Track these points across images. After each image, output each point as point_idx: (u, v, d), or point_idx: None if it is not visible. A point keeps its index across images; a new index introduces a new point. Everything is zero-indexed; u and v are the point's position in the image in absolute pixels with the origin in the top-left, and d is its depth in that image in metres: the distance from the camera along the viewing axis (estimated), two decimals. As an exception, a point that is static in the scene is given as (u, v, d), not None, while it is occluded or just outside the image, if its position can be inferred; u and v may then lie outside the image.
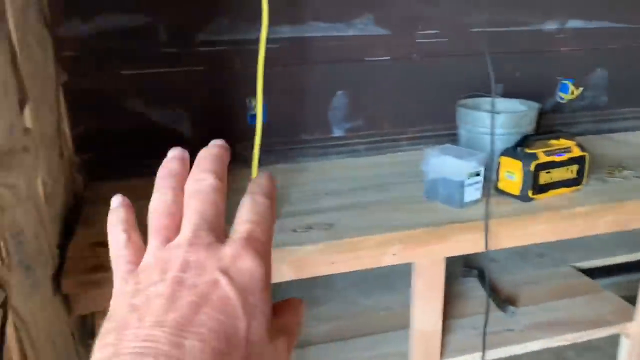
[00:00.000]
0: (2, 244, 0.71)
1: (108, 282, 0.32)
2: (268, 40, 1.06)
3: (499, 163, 1.32)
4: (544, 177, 1.29)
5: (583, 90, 1.82)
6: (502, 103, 1.53)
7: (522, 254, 1.77)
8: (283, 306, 0.34)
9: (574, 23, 1.78)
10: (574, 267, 1.74)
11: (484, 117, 1.40)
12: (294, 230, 1.15)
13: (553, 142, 1.35)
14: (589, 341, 1.46)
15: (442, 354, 1.30)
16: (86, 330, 1.07)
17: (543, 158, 1.28)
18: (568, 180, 1.33)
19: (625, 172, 1.47)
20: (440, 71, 1.68)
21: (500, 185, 1.32)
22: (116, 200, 0.36)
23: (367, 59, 1.62)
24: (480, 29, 1.64)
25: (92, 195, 1.31)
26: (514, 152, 1.30)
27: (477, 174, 1.25)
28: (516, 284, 1.62)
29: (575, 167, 1.33)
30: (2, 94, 0.79)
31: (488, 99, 1.48)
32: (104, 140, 1.44)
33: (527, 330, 1.41)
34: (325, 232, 1.14)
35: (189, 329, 0.26)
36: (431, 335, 1.27)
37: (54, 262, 0.97)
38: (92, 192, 1.33)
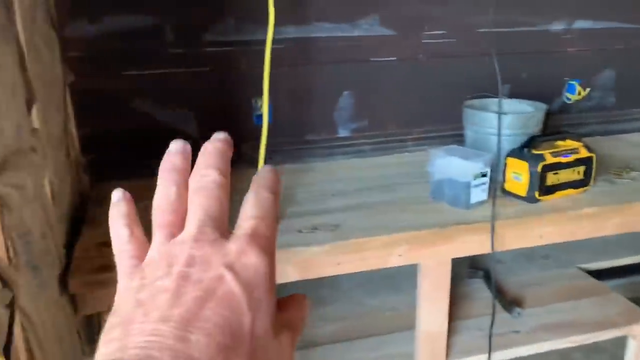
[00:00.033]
0: (9, 244, 0.71)
1: (114, 282, 0.32)
2: (274, 41, 1.07)
3: (506, 164, 1.31)
4: (551, 179, 1.28)
5: (590, 90, 1.81)
6: (509, 104, 1.52)
7: (528, 255, 1.76)
8: (287, 302, 0.34)
9: (581, 23, 1.77)
10: (581, 268, 1.73)
11: (491, 118, 1.40)
12: (300, 231, 1.15)
13: (560, 143, 1.35)
14: (596, 343, 1.45)
15: (447, 355, 1.30)
16: (92, 329, 1.07)
17: (550, 159, 1.27)
18: (575, 181, 1.32)
19: (633, 174, 1.46)
20: (446, 72, 1.68)
21: (507, 187, 1.31)
22: (117, 195, 0.36)
23: (372, 59, 1.62)
24: (486, 30, 1.63)
25: (98, 195, 1.31)
26: (520, 153, 1.29)
27: (484, 175, 1.24)
28: (522, 285, 1.61)
29: (582, 168, 1.32)
30: (10, 94, 0.80)
31: (495, 100, 1.47)
32: (110, 141, 1.44)
33: (533, 331, 1.40)
34: (331, 233, 1.14)
35: (194, 324, 0.26)
36: (437, 337, 1.27)
37: (61, 262, 0.97)
38: (98, 192, 1.33)
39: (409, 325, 1.32)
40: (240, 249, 0.30)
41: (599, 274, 1.72)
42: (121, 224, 0.34)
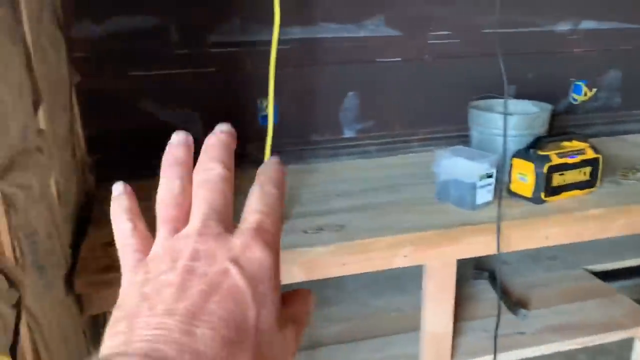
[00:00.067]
0: (16, 244, 0.71)
1: (120, 282, 0.32)
2: (279, 42, 1.07)
3: (511, 165, 1.31)
4: (557, 179, 1.28)
5: (596, 91, 1.80)
6: (515, 104, 1.52)
7: (534, 256, 1.75)
8: (292, 296, 0.34)
9: (587, 24, 1.76)
10: (587, 269, 1.72)
11: (496, 119, 1.39)
12: (305, 232, 1.15)
13: (566, 143, 1.34)
14: (602, 345, 1.44)
15: (452, 356, 1.30)
16: (98, 329, 1.08)
17: (556, 160, 1.27)
18: (581, 182, 1.32)
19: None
20: (451, 72, 1.67)
21: (513, 188, 1.31)
22: (118, 188, 0.35)
23: (378, 60, 1.62)
24: (492, 30, 1.63)
25: (104, 195, 1.31)
26: (526, 153, 1.29)
27: (489, 176, 1.24)
28: (528, 286, 1.60)
29: (588, 169, 1.32)
30: (17, 95, 0.80)
31: (500, 101, 1.47)
32: (116, 141, 1.45)
33: (538, 333, 1.40)
34: (336, 234, 1.14)
35: (199, 318, 0.26)
36: (442, 338, 1.27)
37: (67, 262, 0.98)
38: (104, 192, 1.34)
39: (413, 326, 1.32)
40: (245, 243, 0.30)
41: (605, 276, 1.71)
42: (124, 218, 0.34)
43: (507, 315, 1.43)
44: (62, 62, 1.22)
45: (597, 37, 1.78)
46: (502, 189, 1.26)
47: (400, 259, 1.14)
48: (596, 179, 1.33)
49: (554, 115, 1.46)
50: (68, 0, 1.30)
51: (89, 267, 1.00)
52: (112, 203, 0.35)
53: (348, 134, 1.65)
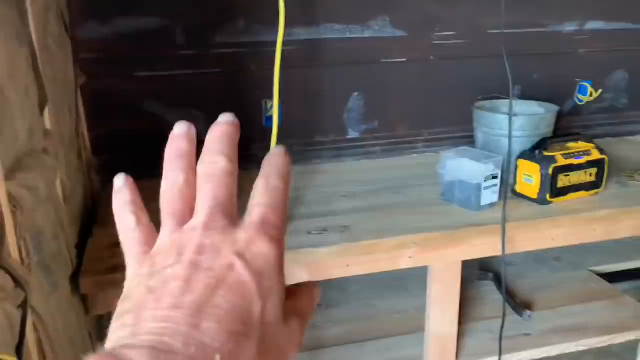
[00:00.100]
0: (22, 244, 0.72)
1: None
2: (284, 42, 1.07)
3: (517, 166, 1.30)
4: (562, 181, 1.27)
5: (602, 92, 1.80)
6: (520, 105, 1.52)
7: (539, 257, 1.75)
8: (297, 289, 0.34)
9: (593, 24, 1.76)
10: (592, 271, 1.71)
11: (501, 120, 1.39)
12: (309, 233, 1.15)
13: (571, 144, 1.34)
14: (608, 347, 1.44)
15: (457, 357, 1.29)
16: (103, 331, 1.08)
17: (561, 161, 1.27)
18: (587, 183, 1.31)
19: (646, 176, 1.45)
20: (457, 73, 1.67)
21: (518, 189, 1.31)
22: (119, 180, 0.35)
23: (383, 60, 1.62)
24: (497, 31, 1.63)
25: (109, 196, 1.32)
26: (531, 155, 1.28)
27: (494, 177, 1.24)
28: (533, 287, 1.60)
29: (594, 171, 1.31)
30: (23, 96, 0.80)
31: (505, 101, 1.47)
32: (121, 141, 1.45)
33: (544, 335, 1.39)
34: (341, 235, 1.14)
35: (205, 311, 0.26)
36: (447, 339, 1.26)
37: (72, 262, 0.98)
38: (110, 193, 1.34)
39: (418, 327, 1.32)
40: (250, 237, 0.30)
41: (611, 277, 1.70)
42: (127, 211, 0.34)
43: (512, 317, 1.42)
44: (68, 62, 1.22)
45: (603, 37, 1.77)
46: (507, 190, 1.26)
47: (405, 260, 1.13)
48: (602, 180, 1.33)
49: (559, 116, 1.46)
50: (74, 2, 1.31)
51: (94, 268, 1.00)
52: (114, 196, 0.35)
53: (352, 134, 1.65)
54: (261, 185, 0.32)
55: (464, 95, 1.60)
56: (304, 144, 1.61)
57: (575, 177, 1.29)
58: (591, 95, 1.78)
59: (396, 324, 1.46)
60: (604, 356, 1.71)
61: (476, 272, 1.63)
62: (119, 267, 0.99)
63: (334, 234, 1.14)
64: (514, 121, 1.31)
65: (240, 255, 0.29)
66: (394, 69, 1.62)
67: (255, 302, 0.28)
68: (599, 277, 1.68)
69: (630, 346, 1.49)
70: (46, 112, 0.93)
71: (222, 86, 1.49)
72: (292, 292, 0.32)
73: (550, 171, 1.24)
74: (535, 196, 1.27)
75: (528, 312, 1.44)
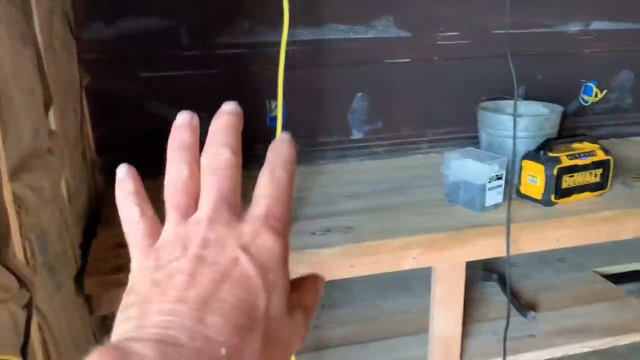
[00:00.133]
0: (27, 244, 0.72)
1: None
2: (288, 43, 1.07)
3: (521, 167, 1.30)
4: (567, 181, 1.27)
5: (607, 92, 1.79)
6: (524, 106, 1.51)
7: (543, 258, 1.74)
8: (302, 282, 0.34)
9: (597, 24, 1.75)
10: (597, 272, 1.71)
11: (506, 120, 1.39)
12: (313, 233, 1.15)
13: (576, 145, 1.33)
14: (613, 348, 1.43)
15: (461, 359, 1.29)
16: (106, 330, 1.08)
17: (566, 162, 1.26)
18: (592, 184, 1.31)
19: (651, 177, 1.44)
20: (461, 73, 1.67)
21: (523, 190, 1.30)
22: (122, 170, 0.35)
23: (387, 61, 1.61)
24: (501, 31, 1.62)
25: (114, 196, 1.32)
26: (536, 155, 1.28)
27: (499, 178, 1.23)
28: (537, 288, 1.59)
29: (599, 171, 1.31)
30: (29, 97, 0.80)
31: (510, 102, 1.46)
32: (126, 142, 1.45)
33: (548, 336, 1.39)
34: (345, 236, 1.14)
35: (210, 305, 0.26)
36: (451, 340, 1.26)
37: (77, 263, 0.98)
38: (114, 193, 1.34)
39: (422, 328, 1.31)
40: (254, 231, 0.30)
41: (616, 278, 1.70)
42: (130, 202, 0.33)
43: (516, 318, 1.42)
44: (73, 63, 1.23)
45: (609, 37, 1.77)
46: (512, 191, 1.25)
47: (409, 261, 1.13)
48: (607, 181, 1.32)
49: (564, 117, 1.45)
50: (79, 3, 1.31)
51: (98, 268, 1.00)
52: (116, 186, 0.34)
53: (356, 135, 1.65)
54: (266, 176, 0.32)
55: (468, 96, 1.60)
56: (308, 145, 1.61)
57: (580, 178, 1.28)
58: (596, 95, 1.77)
59: (400, 324, 1.45)
60: (609, 357, 1.71)
61: (480, 273, 1.62)
62: (123, 268, 0.99)
63: (338, 234, 1.14)
64: (519, 122, 1.30)
65: (245, 249, 0.29)
66: (398, 70, 1.62)
67: (260, 296, 0.28)
68: (604, 278, 1.68)
69: (635, 347, 1.48)
70: (51, 112, 0.94)
71: (226, 87, 1.49)
72: (297, 285, 0.32)
73: (554, 172, 1.24)
74: (539, 197, 1.27)
75: (532, 313, 1.43)
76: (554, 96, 1.57)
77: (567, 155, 1.27)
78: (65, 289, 0.88)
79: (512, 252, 1.17)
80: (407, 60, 1.62)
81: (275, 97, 1.10)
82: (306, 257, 1.07)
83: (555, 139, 1.34)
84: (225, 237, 0.29)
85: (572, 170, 1.27)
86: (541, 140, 1.31)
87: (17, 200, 0.70)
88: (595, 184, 1.31)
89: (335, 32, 1.54)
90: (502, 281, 1.57)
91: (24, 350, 0.64)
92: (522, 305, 1.48)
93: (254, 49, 1.48)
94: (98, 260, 1.03)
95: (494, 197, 1.23)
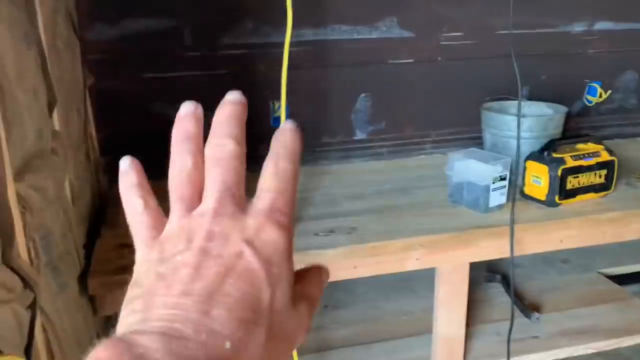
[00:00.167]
0: (31, 245, 0.72)
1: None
2: (291, 44, 1.06)
3: (525, 167, 1.30)
4: (571, 182, 1.26)
5: (611, 93, 1.78)
6: (528, 106, 1.51)
7: (547, 259, 1.74)
8: (306, 273, 0.34)
9: (602, 25, 1.74)
10: (601, 273, 1.70)
11: (510, 121, 1.38)
12: (316, 234, 1.15)
13: (581, 146, 1.33)
14: (617, 349, 1.42)
15: (465, 360, 1.29)
16: (110, 330, 1.08)
17: (570, 162, 1.26)
18: (596, 185, 1.30)
19: (656, 177, 1.43)
20: (464, 74, 1.66)
21: (526, 190, 1.30)
22: (125, 163, 0.35)
23: (390, 61, 1.61)
24: (505, 31, 1.62)
25: (118, 196, 1.32)
26: (540, 156, 1.28)
27: (503, 179, 1.23)
28: (541, 289, 1.59)
29: (603, 172, 1.30)
30: (32, 98, 0.81)
31: (514, 102, 1.46)
32: (129, 142, 1.45)
33: (552, 337, 1.38)
34: (348, 236, 1.14)
35: (215, 298, 0.26)
36: (454, 341, 1.26)
37: (81, 263, 0.98)
38: (118, 193, 1.34)
39: (425, 329, 1.31)
40: (259, 225, 0.30)
41: (620, 279, 1.69)
42: (133, 194, 0.33)
43: (520, 319, 1.41)
44: (77, 64, 1.23)
45: (613, 38, 1.76)
46: (516, 191, 1.25)
47: (413, 262, 1.13)
48: (611, 181, 1.32)
49: (568, 117, 1.45)
50: (82, 3, 1.31)
51: (102, 268, 1.00)
52: (120, 179, 0.34)
53: (360, 135, 1.65)
54: (271, 168, 0.32)
55: (471, 96, 1.60)
56: (312, 145, 1.61)
57: (585, 179, 1.28)
58: (600, 96, 1.77)
59: (403, 325, 1.45)
60: (613, 359, 1.70)
61: (484, 274, 1.62)
62: (127, 268, 1.00)
63: (341, 235, 1.14)
64: (523, 122, 1.30)
65: (250, 242, 0.29)
66: (401, 70, 1.62)
67: (264, 290, 0.28)
68: (608, 279, 1.67)
69: (640, 349, 1.48)
70: (55, 113, 0.94)
71: (230, 87, 1.47)
72: (300, 277, 0.33)
73: (559, 173, 1.24)
74: (543, 198, 1.26)
75: (536, 315, 1.43)
76: (558, 96, 1.57)
77: (571, 156, 1.27)
78: (69, 290, 0.88)
79: (516, 253, 1.17)
80: (411, 60, 1.62)
81: (278, 98, 1.10)
82: (309, 257, 1.07)
83: (560, 139, 1.33)
84: (229, 231, 0.29)
85: (576, 171, 1.26)
86: (545, 140, 1.31)
87: (21, 200, 0.70)
88: (600, 184, 1.31)
89: (339, 32, 1.54)
90: (506, 282, 1.57)
91: (28, 350, 0.64)
92: (526, 306, 1.47)
93: (258, 50, 1.48)
94: (102, 260, 1.03)
95: (497, 198, 1.23)
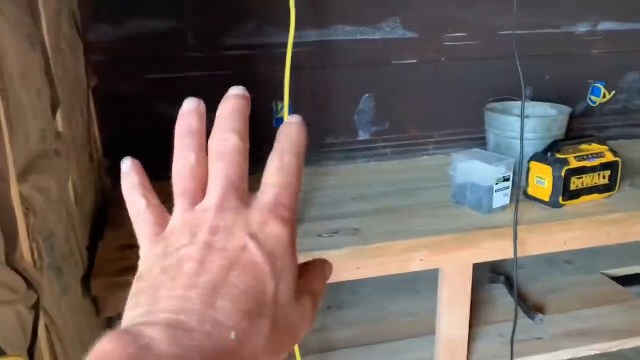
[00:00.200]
0: (34, 246, 0.72)
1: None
2: (294, 44, 1.06)
3: (529, 168, 1.29)
4: (575, 183, 1.26)
5: (615, 93, 1.78)
6: (532, 107, 1.50)
7: (550, 260, 1.73)
8: (309, 266, 0.34)
9: (605, 25, 1.74)
10: (605, 274, 1.69)
11: (513, 121, 1.38)
12: (319, 235, 1.15)
13: (584, 146, 1.32)
14: (620, 351, 1.42)
15: (468, 361, 1.29)
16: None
17: (574, 163, 1.25)
18: (600, 186, 1.30)
19: (660, 178, 1.43)
20: (468, 74, 1.66)
21: (530, 191, 1.30)
22: (126, 164, 0.35)
23: (393, 62, 1.61)
24: (509, 32, 1.61)
25: (120, 197, 1.32)
26: (543, 157, 1.27)
27: (506, 179, 1.23)
28: (544, 290, 1.58)
29: (607, 173, 1.30)
30: (36, 99, 0.81)
31: (517, 103, 1.46)
32: (132, 143, 1.46)
33: (555, 338, 1.38)
34: (351, 237, 1.13)
35: (220, 291, 0.27)
36: (457, 342, 1.26)
37: (84, 264, 0.98)
38: (120, 194, 1.35)
39: (428, 330, 1.31)
40: (262, 219, 0.30)
41: (624, 280, 1.68)
42: (137, 194, 0.34)
43: (523, 320, 1.41)
44: (80, 64, 1.23)
45: (616, 38, 1.76)
46: (519, 192, 1.25)
47: (416, 263, 1.13)
48: (615, 182, 1.31)
49: (571, 118, 1.44)
50: (86, 4, 1.31)
51: (105, 269, 1.00)
52: (122, 179, 0.35)
53: (363, 136, 1.65)
54: (275, 163, 0.32)
55: (475, 97, 1.59)
56: (315, 146, 1.61)
57: (588, 180, 1.28)
58: (604, 96, 1.76)
59: (406, 326, 1.45)
60: (617, 360, 1.70)
61: (487, 274, 1.62)
62: (130, 269, 0.99)
63: (345, 236, 1.14)
64: (526, 123, 1.30)
65: (253, 236, 0.29)
66: (404, 71, 1.62)
67: (268, 283, 0.28)
68: (612, 280, 1.67)
69: (644, 351, 1.47)
70: (58, 114, 0.94)
71: (233, 88, 1.49)
72: (304, 270, 0.33)
73: (562, 173, 1.23)
74: (547, 199, 1.26)
75: (540, 316, 1.42)
76: (561, 97, 1.57)
77: (575, 157, 1.27)
78: (72, 291, 0.88)
79: (519, 254, 1.17)
80: (414, 61, 1.62)
81: (281, 98, 1.10)
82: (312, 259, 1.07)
83: (563, 140, 1.33)
84: (233, 225, 0.29)
85: (580, 171, 1.26)
86: (549, 141, 1.31)
87: (25, 201, 0.70)
88: (604, 185, 1.30)
89: (342, 33, 1.54)
90: (509, 283, 1.56)
91: (31, 351, 0.64)
92: (529, 307, 1.47)
93: (261, 50, 1.48)
94: (105, 261, 1.03)
95: (501, 198, 1.23)
